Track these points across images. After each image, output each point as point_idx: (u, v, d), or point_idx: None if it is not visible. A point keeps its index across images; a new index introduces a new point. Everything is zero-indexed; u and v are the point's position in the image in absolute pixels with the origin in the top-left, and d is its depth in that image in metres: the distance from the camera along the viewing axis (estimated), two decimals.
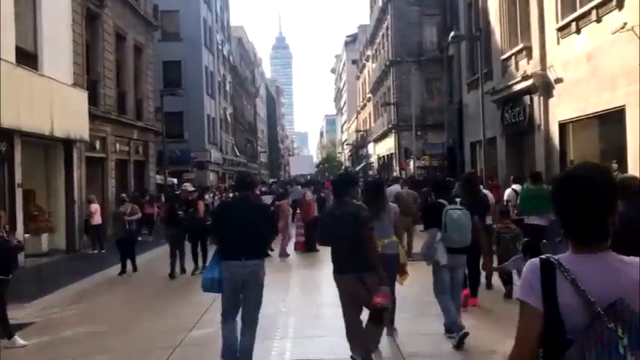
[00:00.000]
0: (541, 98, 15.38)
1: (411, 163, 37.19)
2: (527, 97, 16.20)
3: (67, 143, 16.25)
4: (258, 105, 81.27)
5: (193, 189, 12.00)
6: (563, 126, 14.51)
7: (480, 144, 22.35)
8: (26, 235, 14.73)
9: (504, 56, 17.86)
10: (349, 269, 4.95)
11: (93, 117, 18.02)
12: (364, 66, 61.75)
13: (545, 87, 15.10)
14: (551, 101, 15.02)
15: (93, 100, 18.45)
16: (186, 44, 38.37)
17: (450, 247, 5.96)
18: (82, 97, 16.58)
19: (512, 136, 18.18)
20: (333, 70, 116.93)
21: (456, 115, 23.86)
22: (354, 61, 75.70)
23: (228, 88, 52.65)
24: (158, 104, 30.17)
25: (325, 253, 13.71)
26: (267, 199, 16.91)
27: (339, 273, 5.09)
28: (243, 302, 5.28)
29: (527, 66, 16.15)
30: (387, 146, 45.79)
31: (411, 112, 35.88)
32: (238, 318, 5.38)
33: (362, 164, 61.78)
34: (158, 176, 29.28)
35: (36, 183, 15.77)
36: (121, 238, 12.03)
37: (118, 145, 20.73)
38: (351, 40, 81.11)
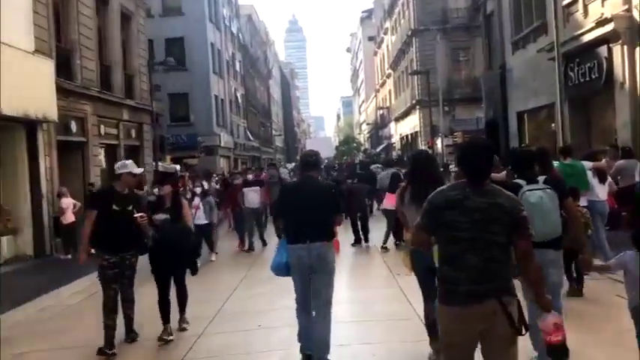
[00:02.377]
0: (624, 47, 11.95)
1: (439, 141, 33.70)
2: (602, 49, 12.76)
3: (30, 124, 13.19)
4: (271, 87, 77.90)
5: (141, 171, 6.75)
6: None
7: (528, 114, 18.96)
8: None
9: (567, 1, 14.35)
10: (487, 293, 3.02)
11: (65, 92, 14.95)
12: (382, 40, 58.08)
13: (631, 32, 11.67)
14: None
15: (66, 73, 15.37)
16: (189, 19, 35.26)
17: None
18: (45, 66, 13.46)
19: (578, 99, 14.70)
20: (348, 50, 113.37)
21: (498, 82, 20.35)
22: (370, 38, 72.34)
23: (238, 68, 49.39)
24: (155, 82, 27.26)
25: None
26: (253, 194, 12.48)
27: (465, 302, 3.03)
28: (311, 287, 4.96)
29: (603, 9, 12.68)
30: (410, 124, 42.30)
31: (437, 85, 32.29)
32: None
33: (383, 145, 58.37)
34: (160, 163, 26.36)
35: None
36: None
37: (103, 128, 17.64)
38: (367, 16, 77.65)
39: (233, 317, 6.75)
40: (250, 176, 13.55)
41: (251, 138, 51.43)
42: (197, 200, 10.98)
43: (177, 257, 6.07)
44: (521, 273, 3.23)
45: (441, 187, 3.31)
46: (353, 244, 11.94)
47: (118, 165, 6.11)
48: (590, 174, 7.61)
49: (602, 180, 7.78)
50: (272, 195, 12.55)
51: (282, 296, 7.17)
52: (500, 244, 3.01)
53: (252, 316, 6.58)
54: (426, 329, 4.86)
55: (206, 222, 10.91)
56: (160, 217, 6.06)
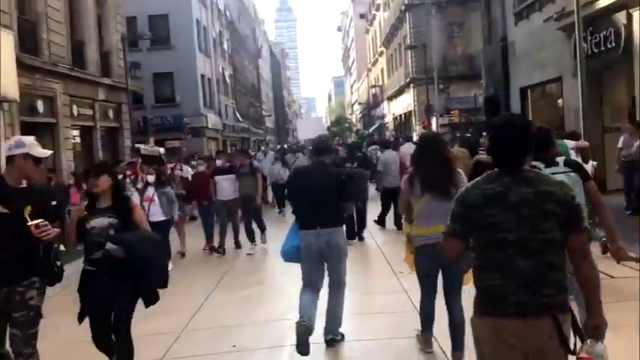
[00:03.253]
0: None
1: (434, 120, 32.54)
2: (620, 15, 11.60)
3: None
4: (261, 67, 76.18)
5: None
6: None
7: (532, 89, 17.84)
8: None
9: None
10: (541, 307, 2.52)
11: (30, 69, 13.66)
12: (374, 17, 56.55)
13: None
14: None
15: (31, 48, 14.04)
16: None
17: None
18: (5, 39, 12.11)
19: (591, 72, 13.53)
20: (339, 29, 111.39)
21: (500, 57, 19.15)
22: (361, 15, 70.79)
23: (225, 46, 47.80)
24: (138, 60, 25.95)
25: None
26: (226, 183, 10.10)
27: (514, 315, 2.53)
28: (327, 270, 4.96)
29: None
30: (404, 103, 41.06)
31: (432, 62, 31.02)
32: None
33: (375, 125, 57.12)
34: (142, 145, 25.09)
35: None
36: None
37: (75, 108, 16.32)
38: None
39: (203, 334, 5.55)
40: (220, 162, 11.24)
41: (240, 119, 50.03)
42: (151, 191, 8.60)
43: (128, 284, 4.00)
44: (575, 275, 2.68)
45: (474, 181, 2.71)
46: (378, 222, 10.99)
47: (10, 143, 3.89)
48: (572, 153, 7.17)
49: (585, 159, 7.31)
50: (242, 189, 10.22)
51: (263, 306, 6.08)
52: (555, 242, 2.52)
53: (226, 333, 5.43)
54: (421, 324, 4.55)
55: (163, 219, 8.54)
56: (101, 222, 4.05)
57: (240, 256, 10.11)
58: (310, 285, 4.84)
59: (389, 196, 10.78)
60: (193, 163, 15.49)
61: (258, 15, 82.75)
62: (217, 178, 10.33)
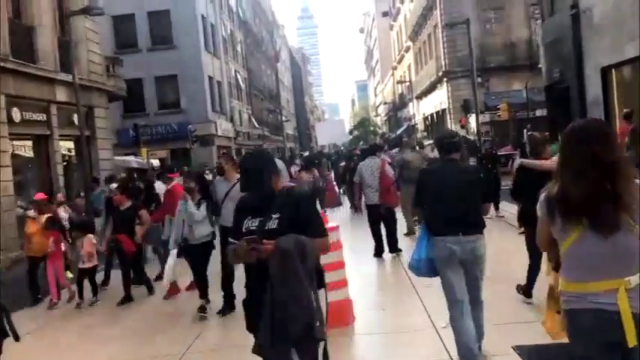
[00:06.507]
0: None
1: (472, 119, 28.20)
2: None
3: None
4: (280, 71, 72.56)
5: None
6: None
7: (619, 68, 13.50)
8: None
9: None
10: None
11: None
12: (398, 11, 52.43)
13: None
14: None
15: None
16: None
17: None
18: None
19: None
20: (361, 30, 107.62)
21: (569, 30, 14.81)
22: (384, 14, 67.11)
23: (239, 48, 44.15)
24: (134, 60, 22.46)
25: None
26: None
27: None
28: (466, 282, 4.33)
29: None
30: (435, 101, 36.74)
31: (469, 52, 26.68)
32: None
33: (403, 127, 52.80)
34: (134, 158, 21.47)
35: None
36: None
37: (18, 112, 12.58)
38: None
39: None
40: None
41: (256, 125, 46.24)
42: None
43: None
44: None
45: None
46: (375, 255, 8.74)
47: None
48: None
49: None
50: None
51: None
52: None
53: None
54: None
55: None
56: None
57: None
58: (460, 304, 4.18)
59: (369, 217, 8.98)
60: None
61: (276, 17, 79.29)
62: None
